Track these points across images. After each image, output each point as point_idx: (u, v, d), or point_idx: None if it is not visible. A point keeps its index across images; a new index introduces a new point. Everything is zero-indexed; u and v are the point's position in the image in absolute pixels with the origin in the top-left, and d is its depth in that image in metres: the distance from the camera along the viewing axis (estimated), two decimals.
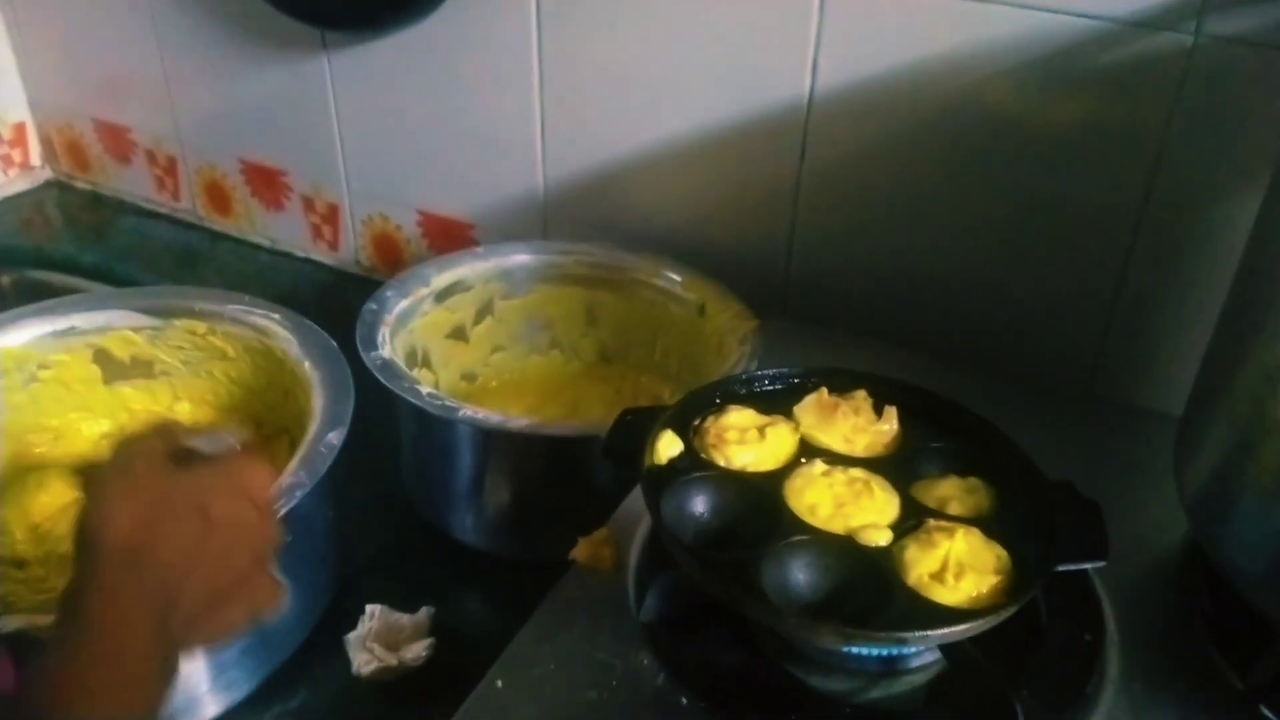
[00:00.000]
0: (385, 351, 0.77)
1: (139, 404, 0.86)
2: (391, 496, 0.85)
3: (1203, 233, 0.73)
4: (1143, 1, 0.70)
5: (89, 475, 0.52)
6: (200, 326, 0.83)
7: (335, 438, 0.69)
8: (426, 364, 0.88)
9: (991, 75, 0.76)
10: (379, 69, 1.03)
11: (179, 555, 0.50)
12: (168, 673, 0.49)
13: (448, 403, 0.72)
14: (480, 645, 0.59)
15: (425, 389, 0.73)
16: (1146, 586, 0.62)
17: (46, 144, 1.37)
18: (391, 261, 1.13)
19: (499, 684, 0.55)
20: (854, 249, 0.88)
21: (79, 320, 0.82)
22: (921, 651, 0.55)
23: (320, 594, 0.75)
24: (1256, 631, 0.54)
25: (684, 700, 0.54)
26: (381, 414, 0.78)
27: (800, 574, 0.53)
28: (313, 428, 0.70)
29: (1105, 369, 0.82)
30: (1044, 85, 0.75)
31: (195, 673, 0.67)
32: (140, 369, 0.85)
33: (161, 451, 0.53)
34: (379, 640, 0.71)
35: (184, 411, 0.87)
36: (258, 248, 1.24)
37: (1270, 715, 0.54)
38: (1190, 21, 0.69)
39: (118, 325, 0.82)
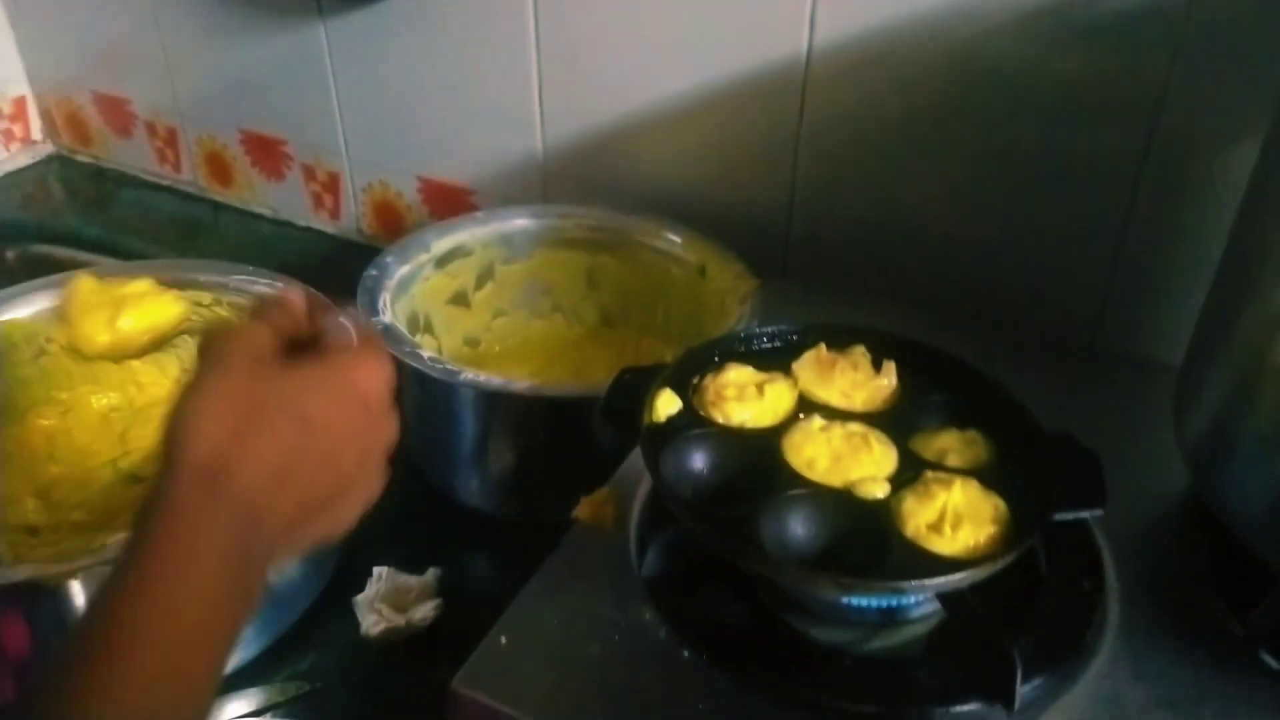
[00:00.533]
0: (386, 317, 0.77)
1: (147, 377, 0.86)
2: (397, 461, 0.85)
3: (1204, 182, 0.73)
4: None
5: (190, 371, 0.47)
6: (205, 298, 0.83)
7: None
8: (429, 329, 0.89)
9: (991, 27, 0.75)
10: (375, 35, 1.02)
11: (268, 471, 0.44)
12: (242, 607, 0.44)
13: (449, 366, 0.72)
14: (486, 605, 0.59)
15: (427, 353, 0.74)
16: (1146, 536, 0.62)
17: (47, 118, 1.37)
18: (393, 229, 1.14)
19: (503, 640, 0.56)
20: (854, 206, 0.88)
21: None
22: (921, 602, 0.55)
23: (328, 556, 0.75)
24: (1256, 578, 0.54)
25: (685, 654, 0.54)
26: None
27: (799, 527, 0.54)
28: None
29: (1107, 321, 0.82)
30: (1044, 36, 0.74)
31: None
32: None
33: (267, 341, 0.47)
34: (387, 601, 0.72)
35: None
36: (260, 218, 1.24)
37: (1270, 660, 0.54)
38: None
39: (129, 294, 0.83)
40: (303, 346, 0.49)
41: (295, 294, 0.53)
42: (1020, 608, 0.56)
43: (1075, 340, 0.83)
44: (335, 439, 0.47)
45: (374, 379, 0.49)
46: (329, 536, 0.49)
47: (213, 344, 0.47)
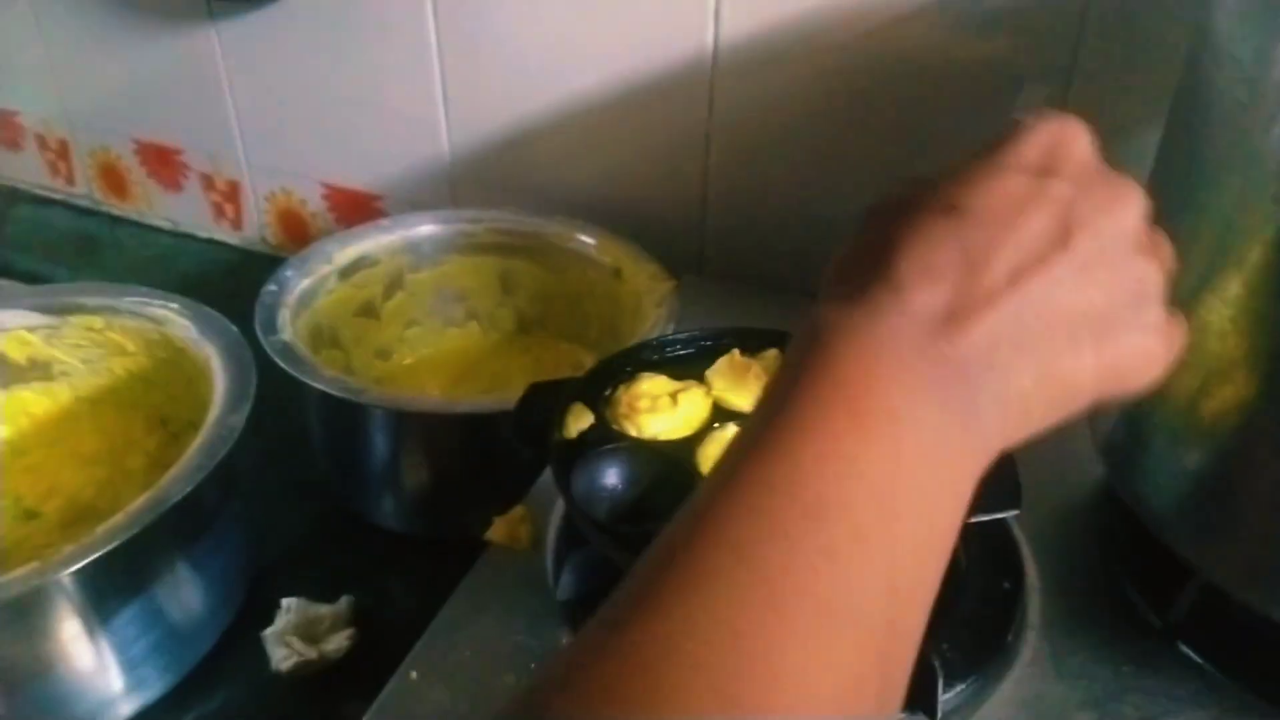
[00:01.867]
0: (286, 334, 0.74)
1: (38, 407, 0.82)
2: (307, 484, 0.82)
3: (1115, 165, 0.73)
4: None
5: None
6: (97, 322, 0.79)
7: (236, 419, 0.66)
8: (336, 344, 0.85)
9: (897, 19, 0.75)
10: (270, 38, 0.98)
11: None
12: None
13: (352, 385, 0.70)
14: (405, 631, 0.57)
15: (329, 373, 0.71)
16: (1067, 530, 0.62)
17: None
18: (298, 238, 1.10)
19: (413, 675, 0.53)
20: (768, 201, 0.86)
21: None
22: None
23: (234, 588, 0.72)
24: (1174, 571, 0.54)
25: None
26: (292, 400, 0.76)
27: None
28: (214, 412, 0.68)
29: None
30: (950, 27, 0.74)
31: (108, 673, 0.64)
32: (38, 370, 0.81)
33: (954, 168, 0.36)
34: (297, 633, 0.69)
35: (86, 412, 0.83)
36: (159, 230, 1.20)
37: (1190, 652, 0.54)
38: None
39: (11, 326, 0.78)
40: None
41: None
42: (941, 611, 0.55)
43: None
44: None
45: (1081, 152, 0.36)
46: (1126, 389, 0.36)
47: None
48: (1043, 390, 0.33)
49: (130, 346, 0.79)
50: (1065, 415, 0.35)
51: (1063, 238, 0.33)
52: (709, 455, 0.56)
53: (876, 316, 0.32)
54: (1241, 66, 0.44)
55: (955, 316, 0.32)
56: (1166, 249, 0.37)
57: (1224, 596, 0.51)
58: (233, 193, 1.12)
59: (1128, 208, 0.36)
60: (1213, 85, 0.46)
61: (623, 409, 0.59)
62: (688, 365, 0.63)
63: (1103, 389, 0.35)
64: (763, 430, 0.32)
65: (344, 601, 0.71)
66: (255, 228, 1.13)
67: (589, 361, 0.88)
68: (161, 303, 0.78)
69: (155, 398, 0.81)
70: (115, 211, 1.22)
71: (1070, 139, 0.37)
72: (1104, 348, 0.34)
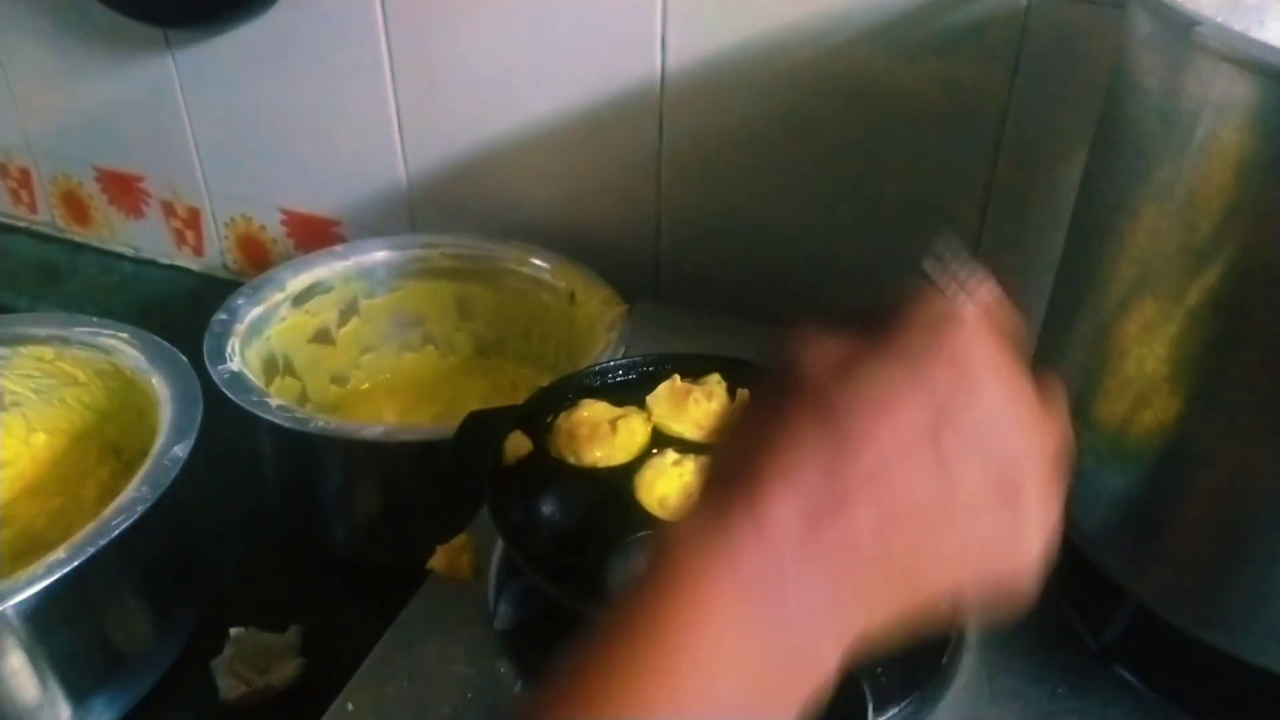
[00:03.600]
0: (235, 364, 0.74)
1: None
2: (258, 513, 0.82)
3: (1050, 191, 0.74)
4: None
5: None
6: (48, 352, 0.80)
7: (181, 449, 0.66)
8: (290, 372, 0.86)
9: (839, 43, 0.75)
10: (226, 66, 0.99)
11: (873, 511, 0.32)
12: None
13: (299, 414, 0.70)
14: (354, 660, 0.57)
15: (276, 401, 0.71)
16: None
17: None
18: (259, 263, 1.10)
19: (350, 707, 0.53)
20: (719, 226, 0.87)
21: None
22: None
23: (182, 618, 0.72)
24: (1108, 592, 0.55)
25: None
26: (244, 429, 0.75)
27: None
28: (159, 442, 0.68)
29: None
30: (891, 51, 0.74)
31: (54, 704, 0.64)
32: None
33: (832, 356, 0.35)
34: (245, 664, 0.69)
35: (40, 443, 0.83)
36: (121, 257, 1.19)
37: (1124, 672, 0.55)
38: None
39: None
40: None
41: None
42: None
43: None
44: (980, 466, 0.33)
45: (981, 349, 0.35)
46: (1003, 583, 0.36)
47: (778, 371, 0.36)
48: (894, 588, 0.33)
49: (81, 377, 0.79)
50: (921, 606, 0.34)
51: (931, 429, 0.33)
52: (647, 481, 0.57)
53: (727, 541, 0.32)
54: (1150, 96, 0.45)
55: (811, 525, 0.31)
56: (1057, 422, 0.37)
57: (1156, 617, 0.51)
58: (193, 219, 1.12)
59: (1005, 390, 0.35)
60: (1127, 116, 0.47)
61: (563, 436, 0.59)
62: (629, 391, 0.63)
63: (964, 578, 0.35)
64: (586, 660, 0.32)
65: (293, 631, 0.71)
66: (216, 254, 1.13)
67: (544, 384, 0.89)
68: (111, 333, 0.78)
69: (107, 428, 0.81)
70: (78, 239, 1.22)
71: (958, 320, 0.36)
72: (966, 538, 0.34)
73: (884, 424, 0.33)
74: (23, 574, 0.58)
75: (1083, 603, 0.57)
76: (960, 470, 0.33)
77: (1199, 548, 0.49)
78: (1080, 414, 0.52)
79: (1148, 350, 0.46)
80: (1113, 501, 0.51)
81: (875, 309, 0.38)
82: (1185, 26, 0.40)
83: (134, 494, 0.63)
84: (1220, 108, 0.40)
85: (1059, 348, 0.54)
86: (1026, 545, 0.35)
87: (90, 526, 0.61)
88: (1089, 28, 0.67)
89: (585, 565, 0.51)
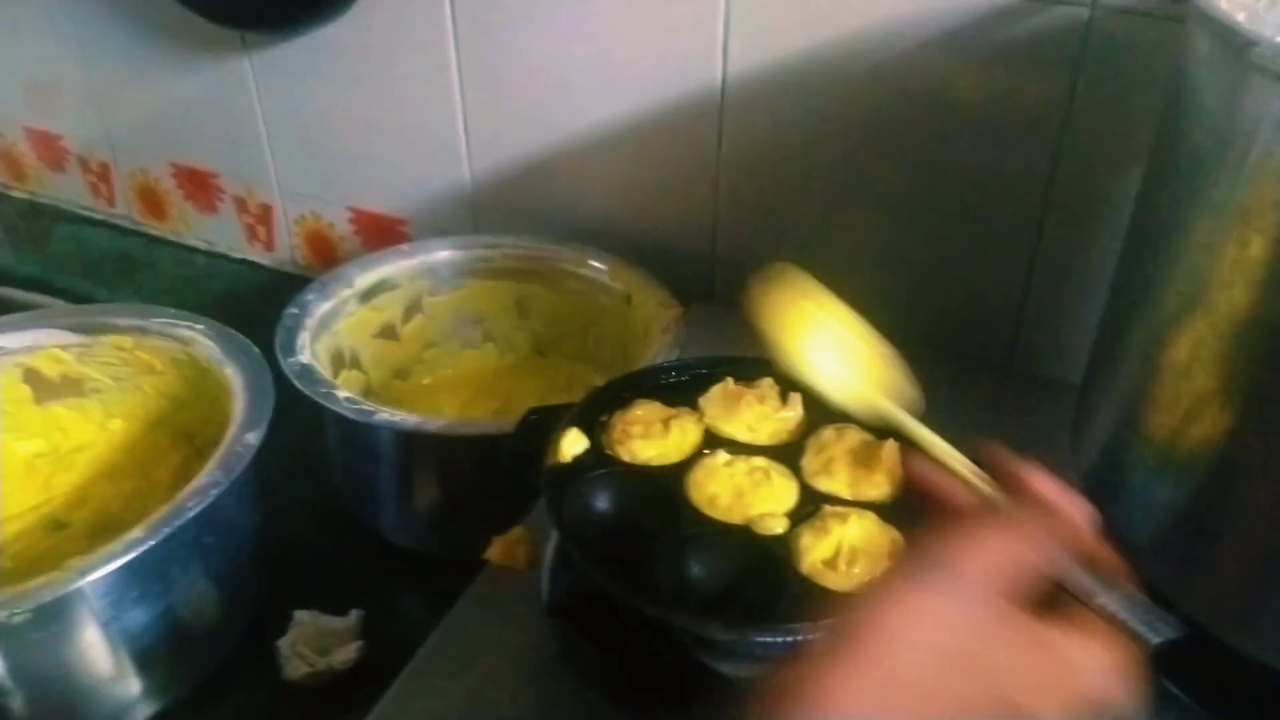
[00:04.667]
0: (305, 356, 0.77)
1: (70, 422, 0.86)
2: (325, 500, 0.85)
3: (1108, 203, 0.74)
4: None
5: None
6: (127, 342, 0.83)
7: (253, 437, 0.69)
8: (356, 365, 0.88)
9: (898, 54, 0.76)
10: (300, 68, 1.02)
11: None
12: None
13: (364, 406, 0.72)
14: (411, 646, 0.59)
15: (343, 393, 0.73)
16: None
17: None
18: (327, 259, 1.13)
19: (406, 690, 0.56)
20: (775, 230, 0.88)
21: (6, 340, 0.81)
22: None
23: (249, 599, 0.75)
24: (1156, 603, 0.55)
25: (590, 695, 0.54)
26: (312, 419, 0.78)
27: (697, 565, 0.54)
28: (232, 429, 0.71)
29: (1023, 342, 0.82)
30: (951, 61, 0.75)
31: (125, 677, 0.67)
32: (70, 387, 0.85)
33: (1019, 565, 0.35)
34: (308, 645, 0.71)
35: (117, 428, 0.87)
36: (194, 250, 1.24)
37: (1170, 686, 0.55)
38: None
39: (45, 344, 0.82)
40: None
41: (1074, 504, 0.38)
42: None
43: (995, 359, 0.84)
44: None
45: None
46: None
47: (927, 544, 0.35)
48: None
49: (158, 365, 0.83)
50: None
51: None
52: (697, 481, 0.58)
53: None
54: (1208, 113, 0.45)
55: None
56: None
57: (1202, 630, 0.51)
58: (265, 216, 1.16)
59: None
60: (1183, 132, 0.48)
61: (616, 434, 0.61)
62: (682, 392, 0.64)
63: None
64: None
65: (354, 615, 0.73)
66: (286, 249, 1.17)
67: (600, 384, 0.90)
68: (188, 324, 0.81)
69: (181, 415, 0.85)
70: (153, 232, 1.26)
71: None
72: None
73: None
74: (101, 551, 0.61)
75: None
76: None
77: (1247, 562, 0.49)
78: (1131, 425, 0.52)
79: (1198, 364, 0.47)
80: (1161, 513, 0.51)
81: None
82: (1243, 46, 0.40)
83: (208, 478, 0.66)
84: (1276, 127, 0.41)
85: (1112, 360, 0.55)
86: None
87: (166, 508, 0.64)
88: (1149, 43, 0.68)
89: (636, 559, 0.53)
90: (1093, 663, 0.36)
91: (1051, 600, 0.37)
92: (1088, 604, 0.37)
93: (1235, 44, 0.41)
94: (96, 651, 0.65)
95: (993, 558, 0.35)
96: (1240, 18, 0.52)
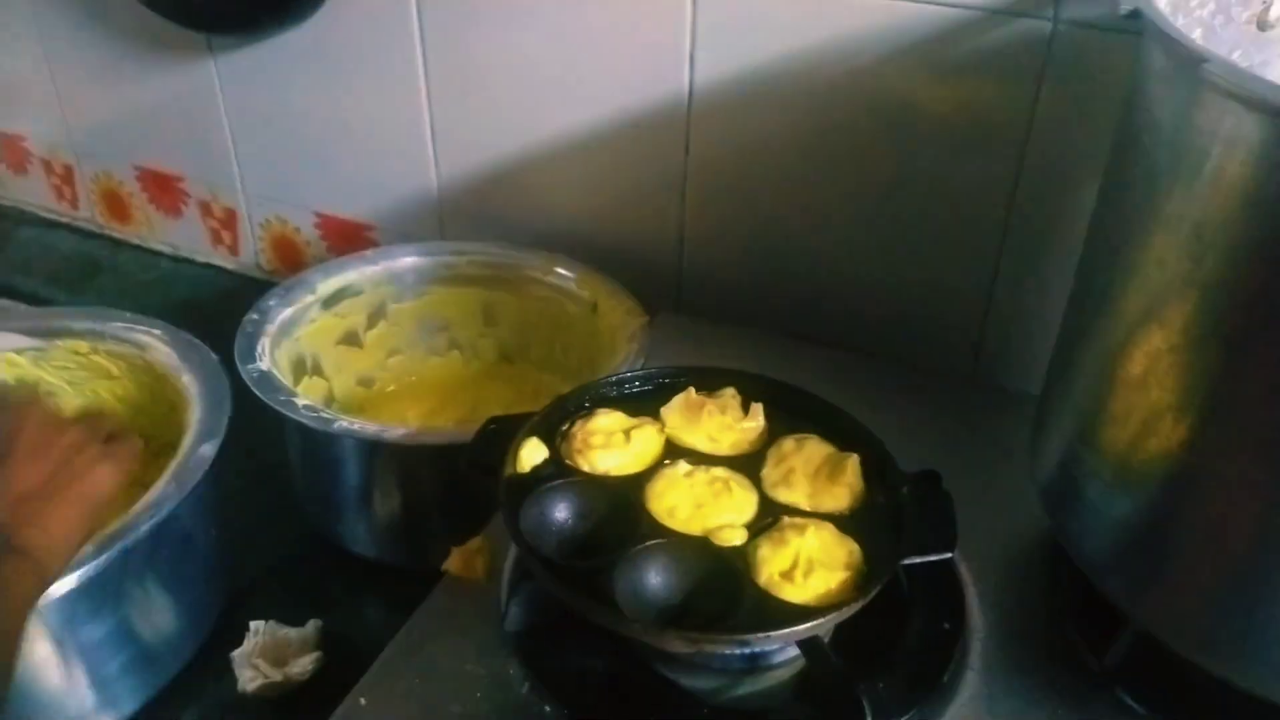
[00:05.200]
0: (264, 363, 0.76)
1: None
2: (284, 509, 0.84)
3: (1068, 216, 0.74)
4: None
5: None
6: (83, 346, 0.82)
7: (208, 449, 0.68)
8: (318, 372, 0.87)
9: (864, 64, 0.76)
10: (266, 71, 1.01)
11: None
12: None
13: (324, 414, 0.71)
14: (371, 656, 0.58)
15: (303, 401, 0.73)
16: (1014, 572, 0.63)
17: None
18: (292, 264, 1.12)
19: (362, 701, 0.55)
20: (742, 241, 0.88)
21: None
22: (783, 648, 0.55)
23: (206, 610, 0.74)
24: (1112, 616, 0.55)
25: (547, 708, 0.54)
26: (272, 426, 0.77)
27: (655, 577, 0.54)
28: (187, 440, 0.70)
29: (986, 352, 0.83)
30: (915, 73, 0.75)
31: (79, 691, 0.66)
32: (26, 392, 0.83)
33: None
34: (264, 656, 0.70)
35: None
36: (159, 254, 1.22)
37: (1125, 698, 0.55)
38: (1048, 8, 0.69)
39: (1, 348, 0.81)
40: None
41: None
42: (883, 648, 0.56)
43: (959, 371, 0.84)
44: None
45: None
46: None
47: None
48: None
49: (115, 370, 0.81)
50: None
51: None
52: (658, 491, 0.58)
53: None
54: (1161, 128, 0.46)
55: None
56: None
57: (1157, 643, 0.52)
58: (230, 219, 1.14)
59: None
60: (1139, 145, 0.48)
61: (577, 444, 0.61)
62: (645, 402, 0.64)
63: None
64: None
65: (311, 625, 0.73)
66: (251, 254, 1.16)
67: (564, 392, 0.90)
68: (145, 329, 0.80)
69: (139, 420, 0.83)
70: (117, 235, 1.25)
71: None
72: None
73: None
74: None
75: (1086, 625, 0.58)
76: None
77: (1200, 575, 0.49)
78: (1086, 439, 0.52)
79: (1152, 378, 0.47)
80: (1116, 526, 0.52)
81: None
82: (1195, 62, 0.41)
83: (161, 492, 0.65)
84: (1228, 143, 0.41)
85: (1068, 372, 0.55)
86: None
87: (116, 525, 0.63)
88: (1110, 57, 0.68)
89: (593, 571, 0.53)
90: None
91: None
92: None
93: (1187, 60, 0.41)
94: (49, 666, 0.63)
95: None
96: (1196, 34, 0.53)
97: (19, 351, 0.82)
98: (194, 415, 0.72)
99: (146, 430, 0.84)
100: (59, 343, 0.82)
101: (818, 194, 0.83)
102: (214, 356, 0.77)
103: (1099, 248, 0.53)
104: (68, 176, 1.24)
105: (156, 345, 0.79)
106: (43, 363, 0.82)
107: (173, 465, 0.67)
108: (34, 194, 1.29)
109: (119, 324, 0.81)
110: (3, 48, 1.17)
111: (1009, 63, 0.72)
